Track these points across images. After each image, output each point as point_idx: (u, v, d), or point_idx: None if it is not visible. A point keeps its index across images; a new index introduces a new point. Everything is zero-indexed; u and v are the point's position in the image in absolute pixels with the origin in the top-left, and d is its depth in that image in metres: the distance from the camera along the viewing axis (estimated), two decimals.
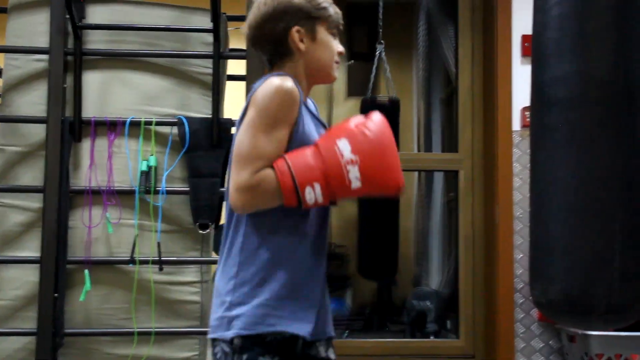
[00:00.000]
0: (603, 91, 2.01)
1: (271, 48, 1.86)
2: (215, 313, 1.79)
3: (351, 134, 1.71)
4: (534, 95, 2.22)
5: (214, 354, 1.78)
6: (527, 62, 3.91)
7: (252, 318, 1.71)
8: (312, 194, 1.68)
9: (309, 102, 1.95)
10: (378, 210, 4.33)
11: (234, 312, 1.73)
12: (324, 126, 1.95)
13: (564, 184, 2.04)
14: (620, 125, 2.02)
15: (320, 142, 1.72)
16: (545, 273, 2.11)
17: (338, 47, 1.89)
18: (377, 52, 3.98)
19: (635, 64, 2.03)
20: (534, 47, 2.23)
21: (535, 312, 3.88)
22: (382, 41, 3.88)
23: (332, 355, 1.91)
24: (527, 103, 3.91)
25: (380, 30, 3.94)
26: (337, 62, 1.89)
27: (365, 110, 4.01)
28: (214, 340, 1.78)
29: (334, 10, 1.90)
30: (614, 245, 2.00)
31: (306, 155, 1.69)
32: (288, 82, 1.73)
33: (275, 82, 1.72)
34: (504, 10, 4.03)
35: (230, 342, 1.72)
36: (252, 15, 1.87)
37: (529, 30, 3.94)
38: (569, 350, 3.72)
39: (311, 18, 1.84)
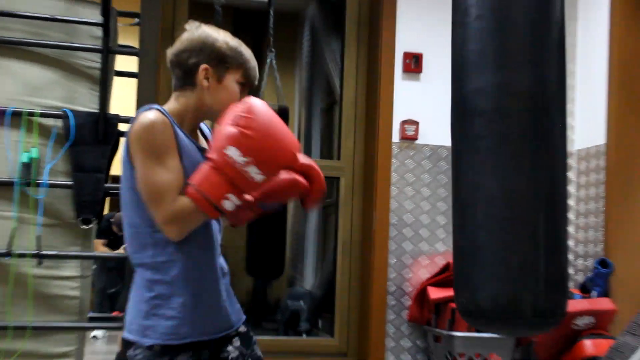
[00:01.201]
0: (524, 103, 2.02)
1: (180, 74, 1.92)
2: (132, 316, 1.89)
3: (234, 138, 1.75)
4: (455, 107, 2.20)
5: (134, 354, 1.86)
6: (408, 78, 4.13)
7: (165, 330, 1.82)
8: (230, 203, 1.76)
9: (202, 126, 2.04)
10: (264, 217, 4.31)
11: (150, 322, 1.83)
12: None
13: (489, 194, 2.04)
14: (541, 136, 2.04)
15: (213, 156, 1.77)
16: (473, 282, 2.10)
17: (236, 96, 1.94)
18: (268, 60, 3.95)
19: (551, 76, 2.05)
20: (454, 60, 2.19)
21: (405, 314, 4.01)
22: (272, 49, 3.87)
23: (243, 330, 2.06)
24: (407, 117, 4.09)
25: (272, 37, 3.94)
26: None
27: None
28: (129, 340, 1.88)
29: (251, 66, 1.97)
30: (539, 253, 2.01)
31: (208, 175, 1.75)
32: (152, 113, 1.81)
33: (146, 118, 1.80)
34: (389, 27, 4.13)
35: (149, 347, 1.82)
36: (178, 42, 1.93)
37: (410, 48, 4.11)
38: (434, 349, 3.86)
39: (224, 62, 1.90)
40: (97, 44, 3.45)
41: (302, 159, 1.92)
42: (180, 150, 1.85)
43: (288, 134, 1.86)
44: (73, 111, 3.36)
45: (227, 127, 1.79)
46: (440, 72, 4.09)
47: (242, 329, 2.08)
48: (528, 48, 2.03)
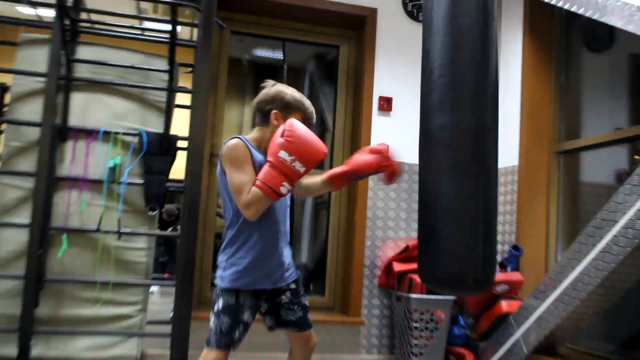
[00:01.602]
0: (469, 136, 2.09)
1: (260, 116, 2.17)
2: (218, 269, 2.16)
3: (283, 145, 1.96)
4: (422, 138, 2.26)
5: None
6: (382, 115, 4.24)
7: (234, 277, 2.10)
8: (285, 188, 1.97)
9: None
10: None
11: (226, 273, 2.11)
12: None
13: (445, 198, 2.10)
14: (480, 159, 2.11)
15: (270, 159, 1.98)
16: (432, 260, 2.15)
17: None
18: None
19: (488, 117, 2.12)
20: (422, 105, 2.26)
21: (376, 281, 4.09)
22: None
23: (288, 297, 2.25)
24: (381, 141, 3.95)
25: (286, 83, 3.95)
26: None
27: None
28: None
29: (309, 111, 2.20)
30: (478, 239, 2.08)
31: (268, 171, 1.96)
32: (234, 140, 2.07)
33: (231, 143, 2.06)
34: (369, 78, 4.25)
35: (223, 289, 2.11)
36: (260, 94, 2.19)
37: (384, 93, 4.22)
38: (396, 307, 3.95)
39: (289, 109, 2.15)
40: (164, 85, 3.57)
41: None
42: (254, 164, 2.06)
43: (318, 141, 2.03)
44: (146, 132, 3.49)
45: (277, 138, 2.00)
46: (404, 110, 4.25)
47: (293, 285, 2.25)
48: (473, 98, 2.12)
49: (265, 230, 2.13)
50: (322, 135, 5.07)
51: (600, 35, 3.78)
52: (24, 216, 3.34)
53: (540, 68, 4.02)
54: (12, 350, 3.22)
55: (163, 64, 3.59)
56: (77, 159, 3.44)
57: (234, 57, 4.71)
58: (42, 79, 3.39)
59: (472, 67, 2.13)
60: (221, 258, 2.16)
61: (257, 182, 1.98)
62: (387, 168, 2.32)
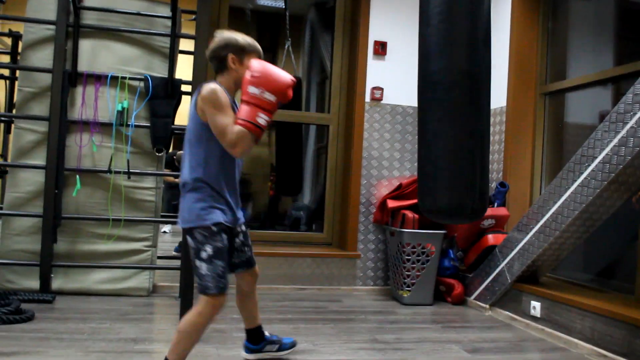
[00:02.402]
0: (464, 78, 2.13)
1: (217, 63, 2.19)
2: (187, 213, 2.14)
3: (250, 81, 2.03)
4: (421, 80, 2.27)
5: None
6: (377, 59, 4.30)
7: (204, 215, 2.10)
8: (262, 119, 2.03)
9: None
10: (289, 150, 4.27)
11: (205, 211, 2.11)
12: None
13: (444, 136, 2.17)
14: (475, 99, 2.15)
15: (244, 97, 2.04)
16: (433, 193, 2.22)
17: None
18: (287, 46, 4.06)
19: (481, 61, 2.17)
20: (420, 49, 2.29)
21: (371, 217, 4.26)
22: (289, 38, 4.02)
23: (240, 239, 2.31)
24: (375, 84, 4.27)
25: (288, 31, 4.05)
26: None
27: None
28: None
29: (259, 50, 2.22)
30: (475, 174, 2.14)
31: (244, 108, 2.03)
32: (213, 85, 2.08)
33: (211, 87, 2.06)
34: (364, 23, 4.29)
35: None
36: (212, 42, 2.19)
37: (379, 37, 4.29)
38: (390, 241, 4.12)
39: (243, 50, 2.17)
40: (168, 31, 3.65)
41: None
42: (232, 106, 2.12)
43: (282, 72, 2.09)
44: (151, 76, 3.59)
45: (245, 77, 2.06)
46: (399, 54, 4.32)
47: (244, 228, 2.34)
48: (468, 42, 2.16)
49: (228, 173, 2.19)
50: (322, 82, 5.12)
51: None
52: (39, 158, 3.50)
53: (529, 13, 4.08)
54: (35, 283, 3.47)
55: (166, 11, 3.67)
56: (87, 103, 3.57)
57: (237, 6, 4.71)
58: (52, 26, 3.48)
59: (469, 13, 2.19)
60: (191, 199, 2.12)
61: (238, 121, 2.02)
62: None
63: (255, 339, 2.51)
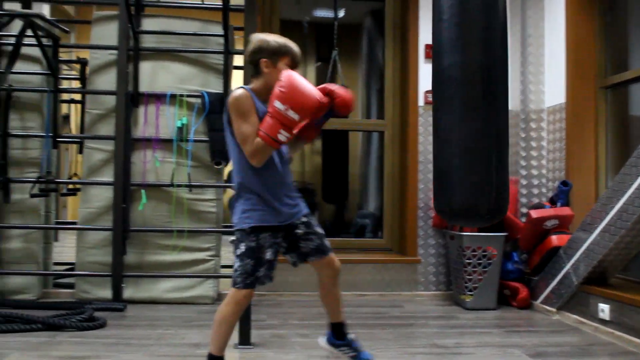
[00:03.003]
0: (479, 74, 2.11)
1: (253, 68, 2.21)
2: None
3: (277, 95, 2.02)
4: (435, 77, 2.25)
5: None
6: (428, 62, 4.22)
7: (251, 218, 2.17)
8: (283, 135, 2.04)
9: None
10: (334, 159, 4.29)
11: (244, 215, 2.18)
12: None
13: (459, 134, 2.13)
14: (491, 94, 2.11)
15: (269, 108, 2.04)
16: (448, 193, 2.20)
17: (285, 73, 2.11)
18: (333, 56, 4.11)
19: (496, 57, 2.13)
20: (434, 45, 2.29)
21: (430, 222, 4.22)
22: (336, 48, 4.08)
23: (302, 229, 2.30)
24: (429, 87, 4.16)
25: (335, 41, 4.12)
26: None
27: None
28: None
29: (295, 52, 2.21)
30: (491, 173, 2.11)
31: (267, 121, 2.04)
32: (238, 91, 2.11)
33: (236, 93, 2.10)
34: (414, 28, 4.29)
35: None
36: (247, 48, 2.23)
37: (429, 41, 4.09)
38: (450, 244, 4.06)
39: (276, 53, 2.17)
40: (221, 48, 3.79)
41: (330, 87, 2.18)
42: (258, 114, 2.11)
43: (311, 89, 2.06)
44: (207, 92, 3.72)
45: (275, 88, 2.06)
46: None
47: (304, 219, 2.31)
48: (481, 38, 2.12)
49: (270, 174, 2.20)
50: (382, 89, 5.12)
51: None
52: (108, 175, 3.70)
53: (585, 5, 3.94)
54: (107, 293, 3.67)
55: (219, 30, 3.80)
56: (149, 121, 3.75)
57: (293, 19, 4.77)
58: (114, 51, 3.69)
59: (481, 9, 2.14)
60: (234, 204, 2.24)
61: (259, 132, 2.06)
62: (333, 98, 2.24)
63: (339, 334, 2.48)
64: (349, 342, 2.46)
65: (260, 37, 2.21)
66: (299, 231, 2.30)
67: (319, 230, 2.35)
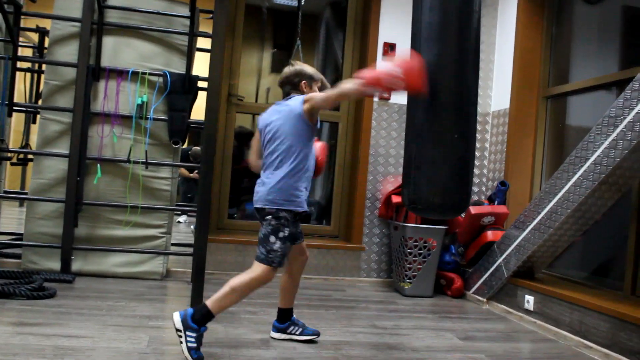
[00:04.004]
0: (452, 68, 2.33)
1: (290, 87, 2.62)
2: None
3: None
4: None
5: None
6: (386, 60, 4.36)
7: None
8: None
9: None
10: None
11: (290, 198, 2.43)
12: None
13: (428, 134, 2.36)
14: (462, 96, 2.34)
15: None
16: (415, 187, 2.41)
17: (318, 92, 2.57)
18: (296, 45, 4.23)
19: (465, 56, 2.36)
20: (413, 42, 2.50)
21: (376, 212, 4.41)
22: (299, 37, 4.23)
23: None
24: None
25: (299, 30, 4.27)
26: None
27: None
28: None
29: (322, 78, 2.67)
30: (457, 171, 2.35)
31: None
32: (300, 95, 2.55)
33: (299, 96, 2.52)
34: (374, 25, 4.44)
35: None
36: (286, 70, 2.63)
37: (388, 39, 4.42)
38: (394, 235, 4.26)
39: (312, 78, 2.61)
40: (186, 30, 3.82)
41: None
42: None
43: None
44: (169, 72, 3.76)
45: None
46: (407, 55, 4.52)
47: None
48: (456, 34, 2.36)
49: (309, 170, 2.53)
50: (336, 80, 5.19)
51: None
52: (63, 147, 3.71)
53: (534, 18, 4.20)
54: (56, 264, 3.69)
55: (185, 11, 3.85)
56: (109, 96, 3.76)
57: (254, 5, 4.84)
58: (77, 23, 3.69)
59: (455, 15, 2.35)
60: (284, 186, 2.42)
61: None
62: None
63: (283, 318, 2.74)
64: (293, 320, 2.75)
65: (299, 66, 2.66)
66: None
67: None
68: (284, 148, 2.45)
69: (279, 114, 2.52)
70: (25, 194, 3.99)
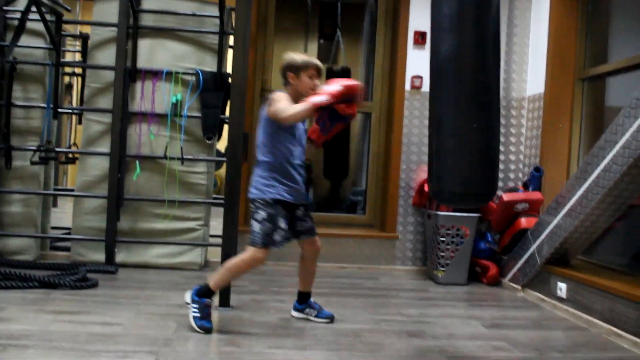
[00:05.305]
0: (471, 58, 2.26)
1: (284, 79, 2.68)
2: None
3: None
4: (432, 68, 2.40)
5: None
6: (417, 48, 4.44)
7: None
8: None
9: None
10: (336, 137, 4.29)
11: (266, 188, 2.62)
12: None
13: (451, 121, 2.30)
14: (482, 86, 2.27)
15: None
16: (437, 178, 2.36)
17: (311, 83, 2.62)
18: (336, 36, 4.41)
19: (484, 46, 2.28)
20: (432, 33, 2.41)
21: (410, 201, 4.43)
22: (339, 28, 4.39)
23: (301, 212, 2.74)
24: (416, 73, 4.40)
25: (339, 21, 4.39)
26: (312, 89, 2.60)
27: (327, 74, 4.43)
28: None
29: (315, 64, 2.64)
30: (485, 161, 2.31)
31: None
32: (279, 93, 2.61)
33: (277, 94, 2.58)
34: (404, 13, 4.44)
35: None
36: (281, 62, 2.67)
37: (419, 28, 4.41)
38: (427, 223, 4.28)
39: (299, 68, 2.64)
40: (217, 29, 3.93)
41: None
42: None
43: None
44: (202, 71, 3.88)
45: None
46: None
47: (305, 202, 2.79)
48: (474, 24, 2.28)
49: (289, 161, 2.66)
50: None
51: None
52: (105, 146, 3.90)
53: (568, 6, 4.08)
54: (101, 256, 3.90)
55: (215, 10, 3.95)
56: (145, 96, 3.92)
57: None
58: (114, 28, 3.86)
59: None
60: (258, 179, 2.66)
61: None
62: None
63: (301, 300, 2.96)
64: (309, 303, 2.94)
65: (289, 55, 2.68)
66: (299, 212, 2.74)
67: (311, 215, 2.83)
68: (259, 144, 2.67)
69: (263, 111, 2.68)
70: (73, 190, 4.21)
